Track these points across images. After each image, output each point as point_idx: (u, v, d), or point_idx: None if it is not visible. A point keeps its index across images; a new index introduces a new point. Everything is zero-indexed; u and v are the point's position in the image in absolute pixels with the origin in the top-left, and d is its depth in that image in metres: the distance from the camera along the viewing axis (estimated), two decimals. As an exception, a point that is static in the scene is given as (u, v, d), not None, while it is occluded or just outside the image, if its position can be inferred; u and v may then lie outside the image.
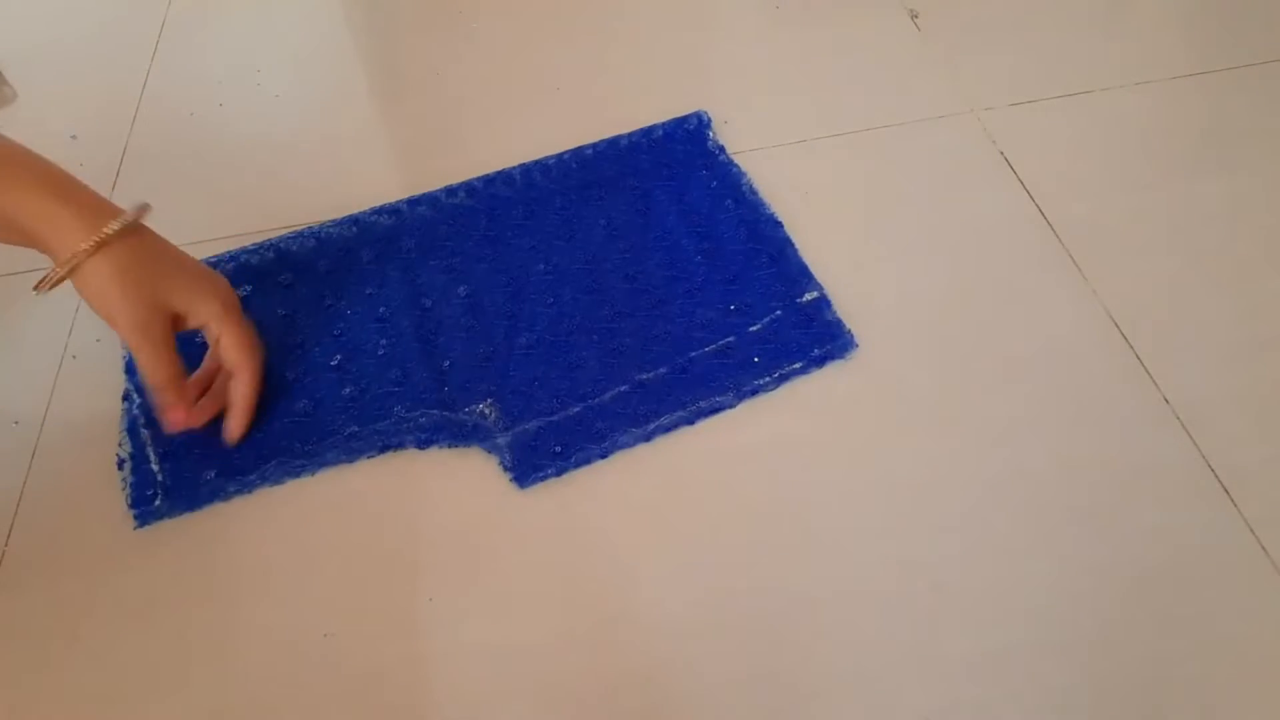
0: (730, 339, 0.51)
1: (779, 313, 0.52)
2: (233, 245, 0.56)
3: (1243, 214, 0.56)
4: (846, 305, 0.52)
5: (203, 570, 0.45)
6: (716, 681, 0.41)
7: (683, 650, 0.42)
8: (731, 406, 0.48)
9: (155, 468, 0.47)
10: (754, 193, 0.57)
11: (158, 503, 0.46)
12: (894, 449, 0.47)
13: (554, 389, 0.49)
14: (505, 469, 0.47)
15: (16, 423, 0.50)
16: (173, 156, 0.62)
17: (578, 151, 0.60)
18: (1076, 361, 0.50)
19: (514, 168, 0.59)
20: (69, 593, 0.44)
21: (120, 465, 0.47)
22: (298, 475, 0.47)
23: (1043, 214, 0.57)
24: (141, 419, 0.49)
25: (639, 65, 0.68)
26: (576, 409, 0.48)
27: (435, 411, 0.48)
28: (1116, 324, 0.51)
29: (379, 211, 0.57)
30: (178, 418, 0.46)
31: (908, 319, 0.52)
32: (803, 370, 0.50)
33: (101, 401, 0.50)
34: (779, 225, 0.56)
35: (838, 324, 0.51)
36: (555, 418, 0.48)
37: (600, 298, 0.53)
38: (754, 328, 0.51)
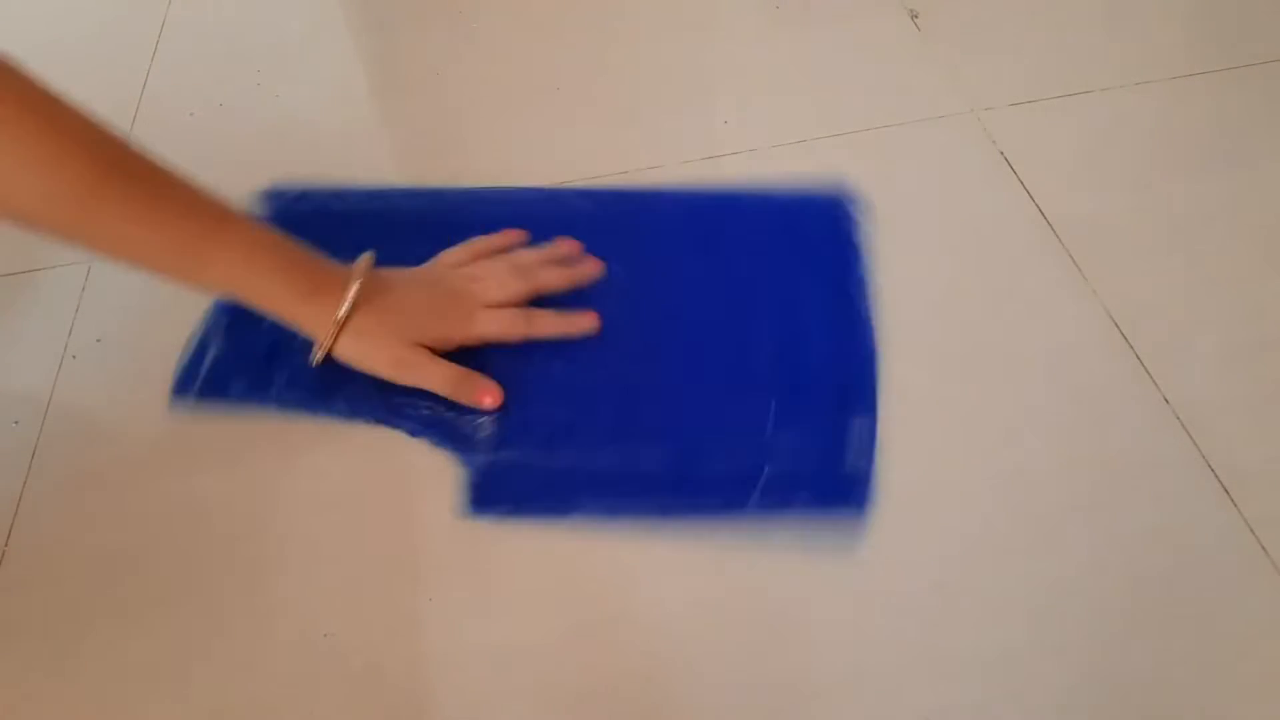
0: (749, 457, 0.46)
1: (810, 443, 0.46)
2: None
3: (1243, 214, 0.56)
4: (846, 305, 0.52)
5: (202, 570, 0.45)
6: (716, 681, 0.41)
7: (683, 650, 0.42)
8: (705, 524, 0.45)
9: (204, 368, 0.51)
10: (863, 289, 0.52)
11: (192, 393, 0.50)
12: (893, 449, 0.47)
13: (553, 430, 0.47)
14: (468, 485, 0.46)
15: (16, 423, 0.50)
16: (173, 156, 0.62)
17: (696, 195, 0.58)
18: (1076, 361, 0.50)
19: (632, 190, 0.58)
20: (69, 593, 0.44)
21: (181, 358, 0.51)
22: (310, 412, 0.49)
23: (1043, 214, 0.56)
24: (225, 322, 0.53)
25: (639, 65, 0.68)
26: (564, 460, 0.46)
27: (441, 407, 0.48)
28: (1116, 324, 0.51)
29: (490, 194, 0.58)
30: (488, 400, 0.48)
31: (907, 319, 0.52)
32: (799, 511, 0.44)
33: (101, 401, 0.51)
34: (871, 330, 0.50)
35: (864, 477, 0.45)
36: (538, 461, 0.47)
37: (653, 356, 0.50)
38: (779, 450, 0.46)
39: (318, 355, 0.47)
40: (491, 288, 0.50)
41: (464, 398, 0.48)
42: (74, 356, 0.52)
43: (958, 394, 0.49)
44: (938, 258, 0.55)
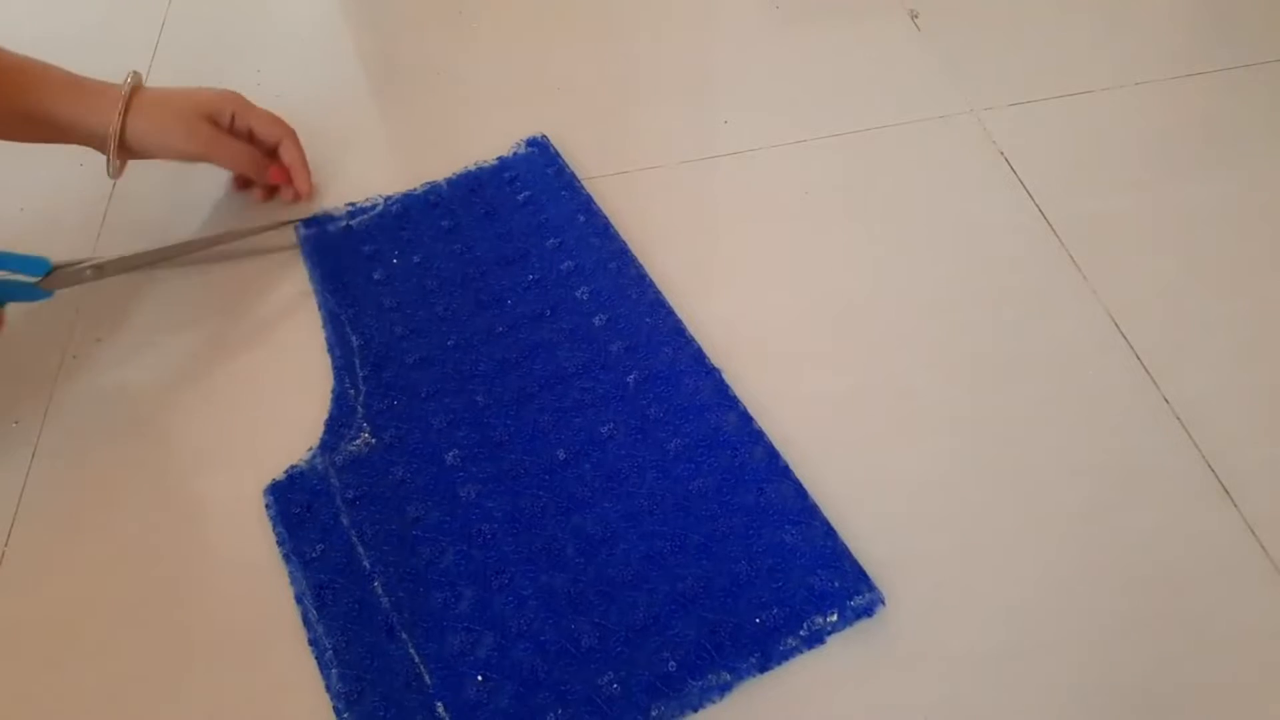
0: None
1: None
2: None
3: (1242, 214, 0.56)
4: (844, 306, 0.52)
5: (203, 570, 0.45)
6: (716, 681, 0.41)
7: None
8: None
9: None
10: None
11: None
12: (894, 448, 0.47)
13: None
14: None
15: (16, 423, 0.50)
16: (173, 156, 0.62)
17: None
18: (1076, 361, 0.50)
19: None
20: (69, 593, 0.44)
21: None
22: None
23: (1043, 214, 0.57)
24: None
25: (639, 65, 0.68)
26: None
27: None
28: (1116, 324, 0.51)
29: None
30: (284, 183, 0.58)
31: (907, 319, 0.52)
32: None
33: (101, 401, 0.50)
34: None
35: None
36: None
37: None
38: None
39: (111, 147, 0.51)
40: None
41: (257, 174, 0.56)
42: (74, 356, 0.52)
43: (957, 394, 0.49)
44: (938, 258, 0.55)
